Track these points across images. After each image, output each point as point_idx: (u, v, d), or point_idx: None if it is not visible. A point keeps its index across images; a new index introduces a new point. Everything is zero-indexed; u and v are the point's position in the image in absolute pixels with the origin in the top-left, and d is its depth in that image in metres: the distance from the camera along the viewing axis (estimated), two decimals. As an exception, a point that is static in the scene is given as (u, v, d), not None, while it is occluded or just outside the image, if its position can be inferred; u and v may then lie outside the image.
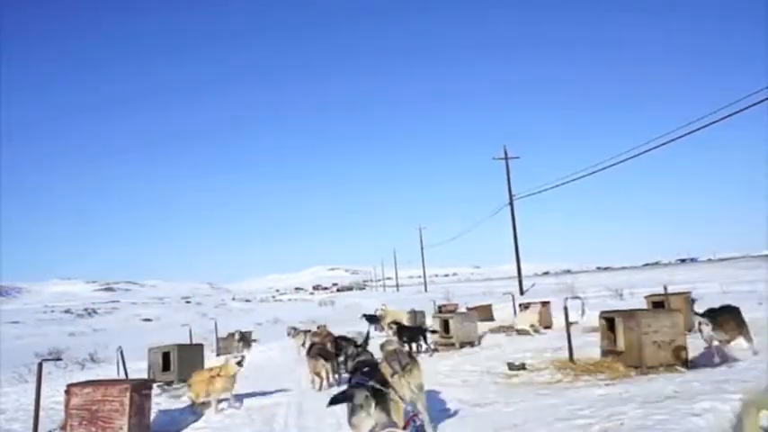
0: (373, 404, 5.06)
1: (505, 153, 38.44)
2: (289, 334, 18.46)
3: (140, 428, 7.54)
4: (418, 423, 5.88)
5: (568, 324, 10.41)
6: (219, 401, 8.96)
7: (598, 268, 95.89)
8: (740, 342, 9.22)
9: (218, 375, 8.93)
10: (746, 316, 14.03)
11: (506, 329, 16.79)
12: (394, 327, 14.47)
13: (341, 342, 11.15)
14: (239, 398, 9.31)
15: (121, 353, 11.31)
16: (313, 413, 8.00)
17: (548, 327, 16.67)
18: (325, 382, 10.19)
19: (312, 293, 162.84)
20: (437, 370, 10.65)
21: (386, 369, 6.03)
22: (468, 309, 20.10)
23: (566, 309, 10.66)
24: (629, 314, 9.53)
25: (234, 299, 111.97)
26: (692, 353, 9.21)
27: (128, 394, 7.33)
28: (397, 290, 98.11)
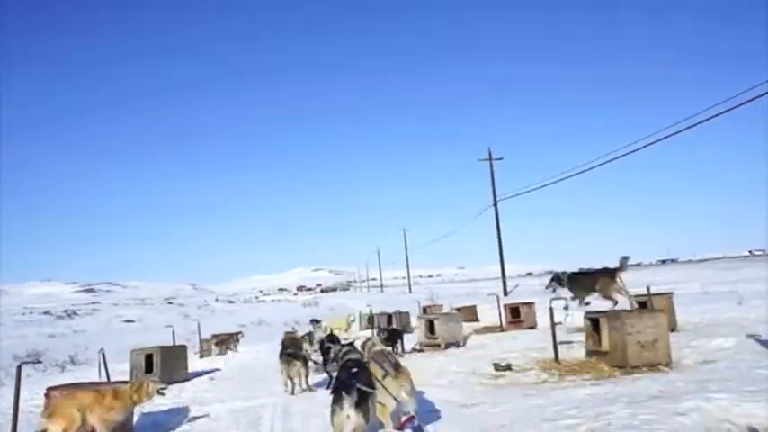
0: (355, 405, 5.03)
1: (490, 155, 38.68)
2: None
3: (122, 431, 7.41)
4: (416, 424, 5.83)
5: (553, 324, 10.46)
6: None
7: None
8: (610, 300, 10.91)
9: (114, 398, 6.95)
10: (725, 315, 14.24)
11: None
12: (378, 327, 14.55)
13: (326, 342, 11.04)
14: (224, 400, 9.16)
15: (103, 355, 11.14)
16: (299, 415, 7.94)
17: (532, 327, 16.80)
18: (297, 387, 9.87)
19: (296, 294, 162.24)
20: (423, 370, 10.61)
21: (375, 370, 5.99)
22: (456, 309, 20.16)
23: (551, 309, 10.71)
24: (614, 315, 9.63)
25: (217, 300, 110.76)
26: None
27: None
28: (382, 290, 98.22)
